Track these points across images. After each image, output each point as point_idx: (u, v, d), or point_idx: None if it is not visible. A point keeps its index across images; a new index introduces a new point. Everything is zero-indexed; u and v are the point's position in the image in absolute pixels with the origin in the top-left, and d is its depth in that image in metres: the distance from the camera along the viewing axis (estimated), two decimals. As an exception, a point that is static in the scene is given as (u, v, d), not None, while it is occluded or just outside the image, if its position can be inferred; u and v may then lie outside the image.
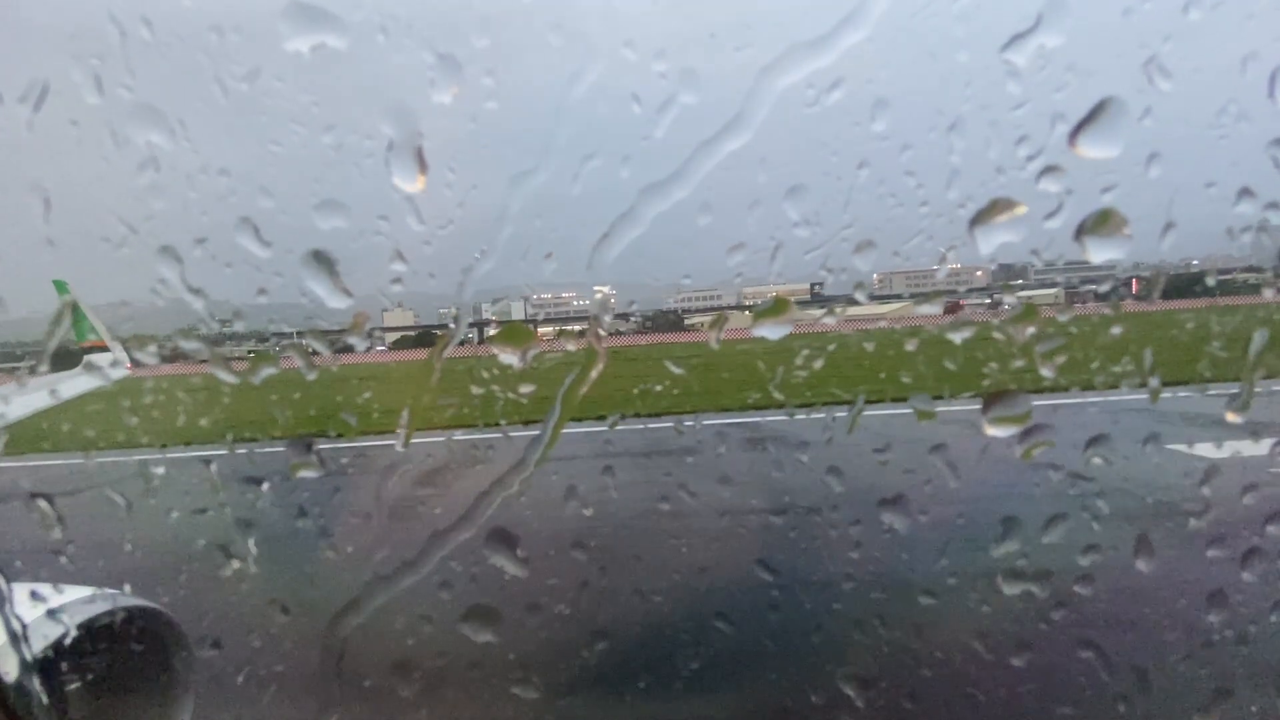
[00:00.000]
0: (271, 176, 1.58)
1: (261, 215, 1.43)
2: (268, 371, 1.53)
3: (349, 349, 1.54)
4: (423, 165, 1.20)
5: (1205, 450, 5.88)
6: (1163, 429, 7.54)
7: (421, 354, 1.47)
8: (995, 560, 1.96)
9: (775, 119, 1.26)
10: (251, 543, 2.14)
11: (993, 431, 1.37)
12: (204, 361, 1.49)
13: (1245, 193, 1.49)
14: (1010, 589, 1.91)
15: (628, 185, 1.34)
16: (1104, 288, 2.08)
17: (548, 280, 1.80)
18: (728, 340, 1.88)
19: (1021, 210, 1.26)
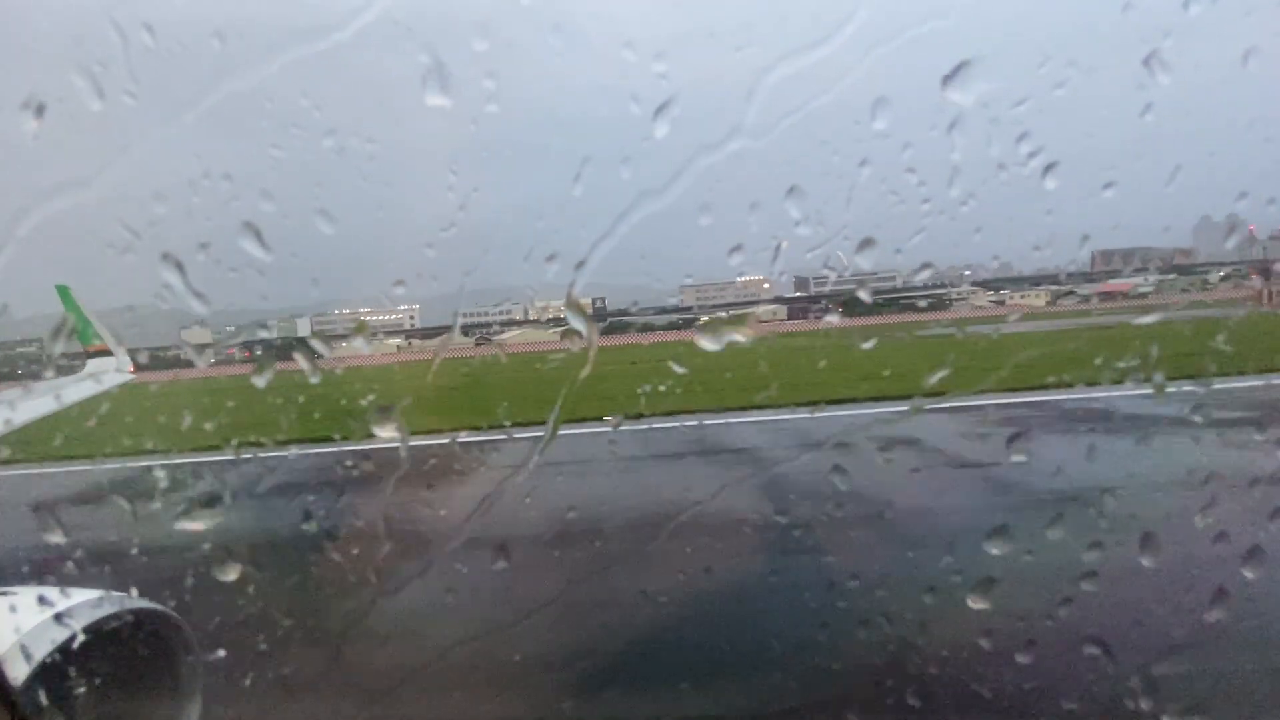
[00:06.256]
0: (273, 181, 1.58)
1: (264, 219, 1.43)
2: (269, 375, 1.54)
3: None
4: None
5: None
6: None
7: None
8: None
9: (775, 118, 1.26)
10: (257, 545, 2.14)
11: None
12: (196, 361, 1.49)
13: (1244, 192, 1.48)
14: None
15: (629, 185, 1.34)
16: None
17: (550, 281, 1.81)
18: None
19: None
